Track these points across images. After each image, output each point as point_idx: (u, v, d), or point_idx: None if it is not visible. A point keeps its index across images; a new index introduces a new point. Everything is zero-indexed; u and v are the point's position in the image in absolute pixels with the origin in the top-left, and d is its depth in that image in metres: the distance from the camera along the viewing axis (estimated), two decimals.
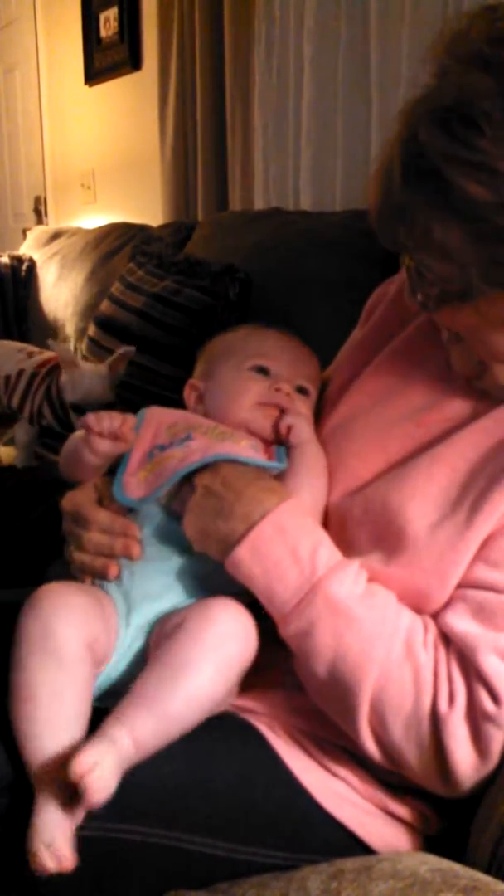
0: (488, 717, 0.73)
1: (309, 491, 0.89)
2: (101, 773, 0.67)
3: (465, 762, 0.74)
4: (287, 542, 0.79)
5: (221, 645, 0.78)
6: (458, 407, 0.87)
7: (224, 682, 0.78)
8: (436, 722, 0.74)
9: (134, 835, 0.75)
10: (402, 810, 0.83)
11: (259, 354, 0.98)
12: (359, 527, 0.85)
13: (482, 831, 0.79)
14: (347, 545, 0.83)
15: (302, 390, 0.98)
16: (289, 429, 0.93)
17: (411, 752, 0.76)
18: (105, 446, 0.90)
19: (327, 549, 0.80)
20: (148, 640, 0.85)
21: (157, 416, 0.96)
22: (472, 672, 0.74)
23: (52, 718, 0.74)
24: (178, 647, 0.77)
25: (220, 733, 0.80)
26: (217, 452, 0.87)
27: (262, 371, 0.97)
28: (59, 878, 0.69)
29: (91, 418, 0.90)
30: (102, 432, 0.89)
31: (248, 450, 0.90)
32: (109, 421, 0.89)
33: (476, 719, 0.73)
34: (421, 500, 0.81)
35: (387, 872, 0.67)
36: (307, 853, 0.78)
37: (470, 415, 0.85)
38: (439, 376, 0.89)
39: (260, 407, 0.95)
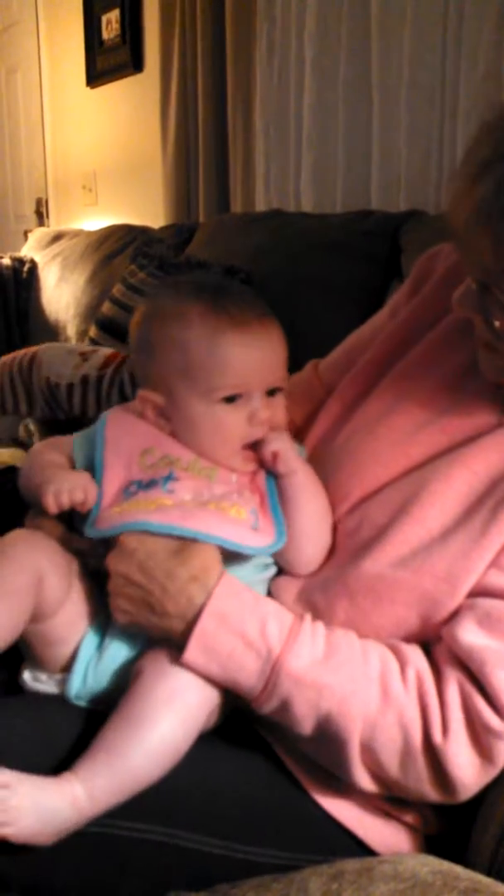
0: (492, 732, 0.72)
1: (309, 518, 0.85)
2: (7, 801, 0.67)
3: (470, 779, 0.74)
4: (234, 630, 0.75)
5: (179, 697, 0.76)
6: (484, 413, 0.85)
7: (185, 733, 0.76)
8: (432, 754, 0.73)
9: (133, 832, 0.75)
10: (402, 810, 0.82)
11: (225, 380, 0.84)
12: (375, 530, 0.83)
13: (483, 833, 0.79)
14: (363, 549, 0.82)
15: (273, 392, 0.88)
16: (275, 456, 0.85)
17: (412, 785, 0.76)
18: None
19: (275, 622, 0.76)
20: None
21: (124, 435, 0.88)
22: (475, 689, 0.73)
23: None
24: (136, 700, 0.76)
25: (220, 734, 0.79)
26: (209, 533, 0.79)
27: (234, 398, 0.85)
28: (58, 875, 0.69)
29: (51, 500, 0.82)
30: (62, 509, 0.83)
31: (236, 525, 0.81)
32: (69, 497, 0.82)
33: (478, 736, 0.73)
34: (438, 504, 0.80)
35: (387, 874, 0.67)
36: (307, 853, 0.78)
37: (496, 422, 0.84)
38: (467, 379, 0.87)
39: (243, 450, 0.86)
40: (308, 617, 0.79)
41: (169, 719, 0.75)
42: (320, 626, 0.78)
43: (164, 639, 0.78)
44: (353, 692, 0.74)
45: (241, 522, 0.81)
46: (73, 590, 0.84)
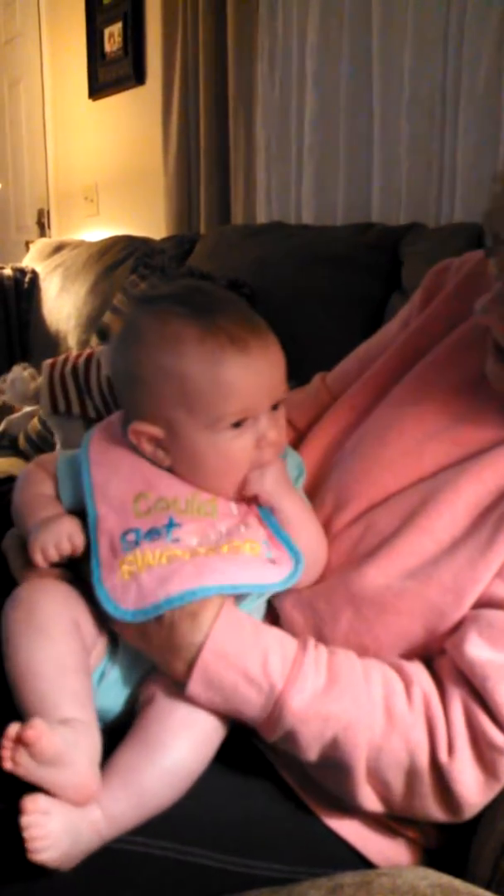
0: (496, 749, 0.72)
1: (304, 544, 0.83)
2: (46, 826, 0.66)
3: (475, 797, 0.74)
4: (235, 667, 0.74)
5: (193, 722, 0.75)
6: (496, 425, 0.84)
7: (201, 756, 0.76)
8: (438, 773, 0.73)
9: (132, 845, 0.74)
10: (401, 824, 0.82)
11: (231, 407, 0.79)
12: (380, 539, 0.82)
13: (483, 846, 0.78)
14: (368, 557, 0.81)
15: (276, 406, 0.84)
16: (255, 498, 0.82)
17: (417, 805, 0.75)
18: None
19: (277, 655, 0.75)
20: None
21: (112, 477, 0.83)
22: (479, 705, 0.73)
23: (58, 691, 0.73)
24: (150, 725, 0.75)
25: (219, 748, 0.79)
26: (234, 583, 0.77)
27: (240, 423, 0.80)
28: (57, 890, 0.69)
29: (39, 557, 0.79)
30: (51, 562, 0.81)
31: (254, 564, 0.79)
32: (56, 551, 0.80)
33: (483, 753, 0.72)
34: (447, 515, 0.79)
35: (386, 887, 0.67)
36: (306, 866, 0.78)
37: None
38: (478, 390, 0.87)
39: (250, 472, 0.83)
40: (311, 643, 0.77)
41: (184, 744, 0.75)
42: (323, 652, 0.77)
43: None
44: (358, 718, 0.73)
45: (257, 559, 0.79)
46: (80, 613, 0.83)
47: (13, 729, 0.66)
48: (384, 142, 2.27)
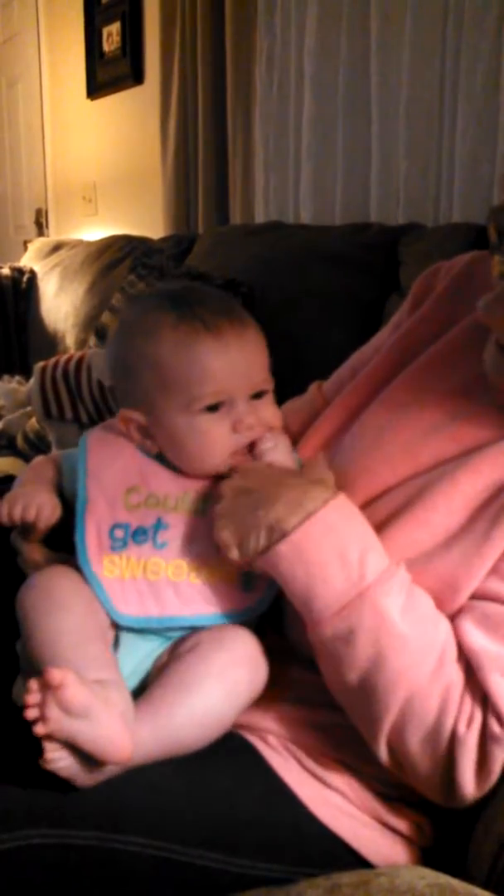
0: (495, 739, 0.72)
1: None
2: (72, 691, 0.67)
3: (471, 782, 0.74)
4: (336, 544, 0.75)
5: (232, 670, 0.77)
6: (494, 424, 0.84)
7: (231, 706, 0.78)
8: (453, 742, 0.73)
9: (128, 846, 0.74)
10: (398, 822, 0.82)
11: (204, 389, 0.82)
12: (380, 530, 0.82)
13: (481, 845, 0.78)
14: None
15: (258, 394, 0.85)
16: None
17: (423, 764, 0.75)
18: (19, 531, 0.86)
19: (376, 554, 0.76)
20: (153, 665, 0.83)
21: (107, 467, 0.85)
22: (480, 692, 0.73)
23: (82, 658, 0.74)
24: (190, 666, 0.77)
25: (214, 746, 0.79)
26: (205, 614, 0.81)
27: (216, 407, 0.83)
28: (53, 890, 0.69)
29: (3, 511, 0.83)
30: (14, 523, 0.84)
31: (227, 594, 0.82)
32: (21, 512, 0.83)
33: (484, 741, 0.72)
34: (443, 508, 0.80)
35: (384, 887, 0.67)
36: (303, 866, 0.78)
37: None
38: (475, 389, 0.87)
39: (231, 455, 0.84)
40: (403, 566, 0.78)
41: (218, 690, 0.76)
42: (408, 577, 0.77)
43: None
44: (419, 651, 0.73)
45: (233, 584, 0.82)
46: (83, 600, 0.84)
47: (37, 680, 0.67)
48: (382, 142, 2.27)
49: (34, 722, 0.67)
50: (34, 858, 0.74)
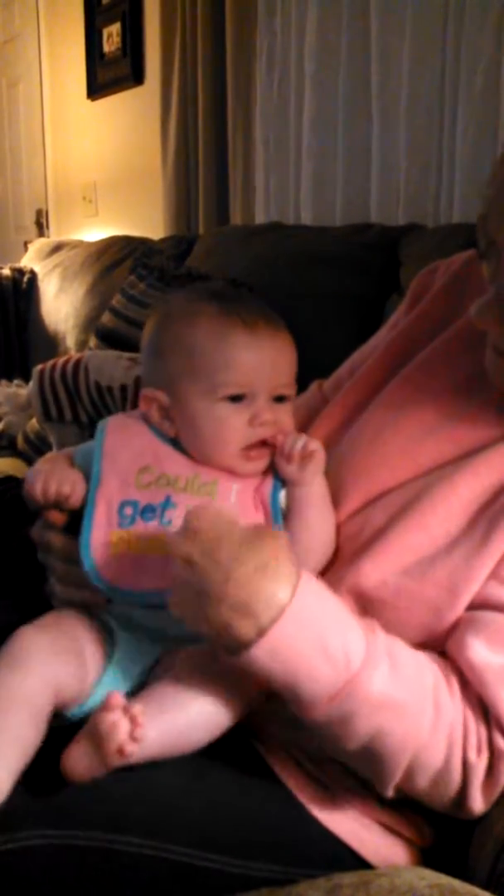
0: (501, 755, 0.72)
1: (317, 536, 0.84)
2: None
3: (480, 799, 0.74)
4: (314, 640, 0.69)
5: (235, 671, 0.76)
6: (492, 424, 0.84)
7: (235, 706, 0.77)
8: (466, 771, 0.73)
9: (128, 846, 0.74)
10: (398, 823, 0.82)
11: (229, 377, 0.84)
12: (374, 532, 0.82)
13: (481, 846, 0.78)
14: (364, 552, 0.81)
15: (280, 398, 0.87)
16: (306, 458, 0.84)
17: (433, 797, 0.75)
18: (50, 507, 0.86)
19: (355, 634, 0.72)
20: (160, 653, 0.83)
21: (123, 448, 0.86)
22: (485, 709, 0.73)
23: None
24: (197, 666, 0.77)
25: (215, 748, 0.79)
26: None
27: (237, 398, 0.84)
28: (52, 890, 0.69)
29: (38, 489, 0.84)
30: (48, 500, 0.85)
31: None
32: (57, 488, 0.84)
33: (492, 759, 0.73)
34: (442, 511, 0.79)
35: (384, 888, 0.67)
36: (303, 867, 0.78)
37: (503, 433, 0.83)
38: (474, 389, 0.87)
39: (244, 452, 0.85)
40: (378, 627, 0.75)
41: (225, 690, 0.76)
42: (381, 634, 0.75)
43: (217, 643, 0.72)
44: (417, 712, 0.72)
45: None
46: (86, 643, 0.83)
47: None
48: (383, 142, 2.27)
49: None
50: (34, 859, 0.74)
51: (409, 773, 0.74)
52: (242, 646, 0.68)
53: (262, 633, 0.68)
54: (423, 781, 0.74)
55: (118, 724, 0.68)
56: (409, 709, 0.72)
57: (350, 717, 0.70)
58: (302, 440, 0.85)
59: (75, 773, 0.71)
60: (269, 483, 0.86)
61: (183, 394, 0.85)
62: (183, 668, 0.78)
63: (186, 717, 0.75)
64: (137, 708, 0.69)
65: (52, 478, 0.85)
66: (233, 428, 0.84)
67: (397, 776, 0.73)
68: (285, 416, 0.87)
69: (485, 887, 0.71)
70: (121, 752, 0.68)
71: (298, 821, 0.80)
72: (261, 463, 0.86)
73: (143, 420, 0.89)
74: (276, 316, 0.89)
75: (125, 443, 0.87)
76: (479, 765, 0.72)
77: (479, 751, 0.72)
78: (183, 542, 0.71)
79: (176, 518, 0.81)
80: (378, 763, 0.73)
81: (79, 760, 0.70)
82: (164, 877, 0.75)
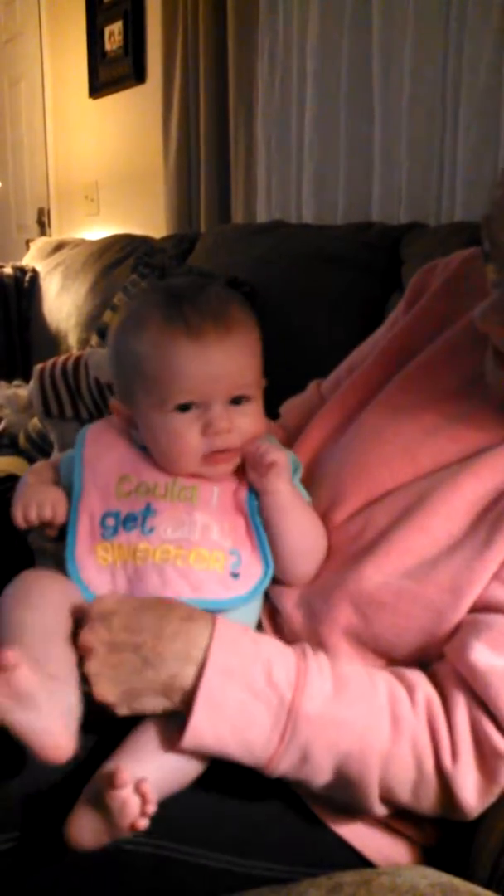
0: (500, 756, 0.72)
1: (296, 539, 0.84)
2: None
3: (476, 802, 0.74)
4: (240, 682, 0.72)
5: None
6: (493, 426, 0.84)
7: None
8: (443, 778, 0.73)
9: (131, 845, 0.74)
10: (399, 822, 0.82)
11: (175, 387, 0.81)
12: (376, 534, 0.82)
13: (483, 845, 0.78)
14: (365, 553, 0.81)
15: (238, 400, 0.84)
16: (269, 466, 0.82)
17: (422, 806, 0.75)
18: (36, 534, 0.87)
19: (280, 664, 0.74)
20: None
21: (102, 458, 0.87)
22: (482, 711, 0.73)
23: (44, 654, 0.72)
24: None
25: None
26: (190, 597, 0.79)
27: (188, 407, 0.82)
28: (57, 889, 0.69)
29: (19, 515, 0.84)
30: (31, 525, 0.85)
31: (212, 579, 0.80)
32: (37, 513, 0.84)
33: (486, 759, 0.72)
34: (443, 513, 0.79)
35: (386, 886, 0.67)
36: (305, 866, 0.78)
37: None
38: (475, 390, 0.86)
39: (205, 458, 0.83)
40: (308, 650, 0.77)
41: None
42: (323, 658, 0.77)
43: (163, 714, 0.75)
44: (369, 726, 0.73)
45: (219, 574, 0.80)
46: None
47: None
48: (384, 141, 2.27)
49: None
50: (35, 858, 0.74)
51: (387, 788, 0.74)
52: (189, 693, 0.71)
53: (200, 672, 0.71)
54: (403, 794, 0.74)
55: (129, 802, 0.68)
56: (358, 723, 0.72)
57: (306, 751, 0.72)
58: (262, 451, 0.83)
59: (81, 843, 0.70)
60: (245, 487, 0.85)
61: (139, 407, 0.85)
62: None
63: (178, 754, 0.74)
64: (146, 785, 0.68)
65: (32, 502, 0.84)
66: (186, 439, 0.82)
67: (374, 793, 0.74)
68: (245, 418, 0.84)
69: (486, 886, 0.71)
70: (133, 828, 0.68)
71: (300, 820, 0.80)
72: (228, 465, 0.84)
73: (120, 428, 0.89)
74: (233, 311, 0.84)
75: (104, 452, 0.87)
76: (458, 771, 0.72)
77: (453, 756, 0.72)
78: (98, 631, 0.74)
79: (158, 525, 0.81)
80: (353, 787, 0.74)
81: (85, 831, 0.70)
82: (165, 875, 0.75)
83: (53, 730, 0.67)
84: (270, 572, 0.83)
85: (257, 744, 0.72)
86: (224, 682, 0.72)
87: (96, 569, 0.80)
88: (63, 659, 0.74)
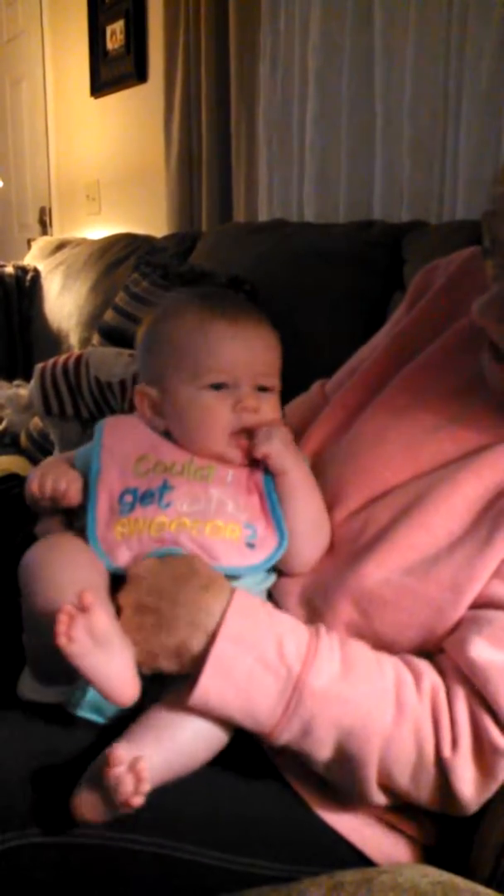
0: (499, 752, 0.72)
1: (304, 520, 0.86)
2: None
3: (472, 796, 0.74)
4: (252, 651, 0.73)
5: None
6: (494, 425, 0.84)
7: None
8: (441, 767, 0.73)
9: (131, 843, 0.75)
10: (400, 820, 0.82)
11: (211, 364, 0.86)
12: (377, 531, 0.82)
13: (484, 843, 0.78)
14: (366, 551, 0.81)
15: (264, 388, 0.88)
16: (265, 457, 0.85)
17: (420, 795, 0.76)
18: (47, 505, 0.88)
19: (292, 640, 0.75)
20: None
21: (120, 442, 0.89)
22: (482, 706, 0.73)
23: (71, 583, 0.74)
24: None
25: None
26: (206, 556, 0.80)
27: (220, 387, 0.87)
28: (58, 888, 0.68)
29: (35, 484, 0.87)
30: (44, 495, 0.86)
31: (230, 546, 0.82)
32: (52, 484, 0.86)
33: (484, 754, 0.73)
34: (444, 511, 0.80)
35: (387, 885, 0.67)
36: (305, 865, 0.78)
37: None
38: (476, 389, 0.87)
39: (232, 437, 0.86)
40: (322, 630, 0.78)
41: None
42: (335, 638, 0.78)
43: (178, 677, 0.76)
44: (375, 706, 0.73)
45: (236, 543, 0.82)
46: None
47: (69, 604, 0.69)
48: (386, 139, 2.27)
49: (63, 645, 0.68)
50: (35, 857, 0.74)
51: (386, 772, 0.74)
52: (197, 659, 0.73)
53: (211, 641, 0.73)
54: (402, 780, 0.74)
55: (123, 780, 0.69)
56: (365, 703, 0.73)
57: (309, 724, 0.73)
58: (259, 447, 0.85)
59: (86, 818, 0.71)
60: (261, 471, 0.87)
61: (170, 386, 0.88)
62: (178, 687, 0.77)
63: (187, 737, 0.75)
64: (142, 764, 0.69)
65: (49, 474, 0.87)
66: (217, 414, 0.86)
67: (373, 775, 0.74)
68: (268, 406, 0.88)
69: (487, 885, 0.71)
70: (127, 805, 0.69)
71: (301, 818, 0.80)
72: (245, 448, 0.87)
73: (138, 418, 0.91)
74: (260, 313, 0.91)
75: (123, 437, 0.89)
76: (456, 761, 0.73)
77: (453, 746, 0.73)
78: (130, 591, 0.77)
79: (175, 499, 0.82)
80: (352, 765, 0.74)
81: (88, 806, 0.71)
82: (166, 874, 0.75)
83: (124, 673, 0.70)
84: (286, 543, 0.84)
85: (262, 712, 0.73)
86: (235, 649, 0.73)
87: (116, 543, 0.81)
88: (109, 609, 0.75)
